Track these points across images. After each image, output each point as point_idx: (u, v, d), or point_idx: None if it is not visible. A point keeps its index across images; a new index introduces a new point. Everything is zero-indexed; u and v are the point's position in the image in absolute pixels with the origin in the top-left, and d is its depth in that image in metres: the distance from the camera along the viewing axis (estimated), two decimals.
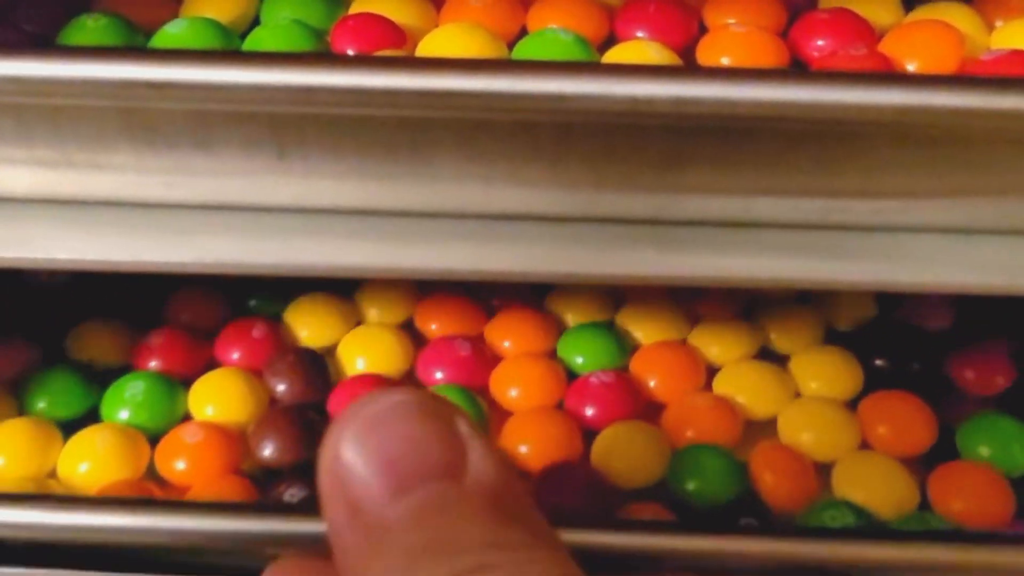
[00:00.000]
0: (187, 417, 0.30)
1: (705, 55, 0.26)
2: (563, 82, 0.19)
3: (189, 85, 0.19)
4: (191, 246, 0.22)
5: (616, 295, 0.34)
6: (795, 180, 0.21)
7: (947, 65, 0.25)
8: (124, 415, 0.29)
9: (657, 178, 0.21)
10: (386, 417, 0.16)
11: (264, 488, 0.28)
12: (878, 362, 0.32)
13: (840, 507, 0.27)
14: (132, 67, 0.19)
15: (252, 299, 0.33)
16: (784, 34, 0.27)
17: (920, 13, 0.27)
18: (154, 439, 0.29)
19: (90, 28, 0.25)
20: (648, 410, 0.30)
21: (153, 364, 0.31)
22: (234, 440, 0.29)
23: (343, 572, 0.16)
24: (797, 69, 0.25)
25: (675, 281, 0.22)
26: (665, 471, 0.28)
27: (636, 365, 0.32)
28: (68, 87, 0.19)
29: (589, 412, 0.30)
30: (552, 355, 0.32)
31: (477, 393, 0.30)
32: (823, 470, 0.29)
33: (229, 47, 0.25)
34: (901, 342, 0.32)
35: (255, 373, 0.31)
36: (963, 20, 0.26)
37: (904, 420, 0.30)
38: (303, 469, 0.28)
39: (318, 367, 0.31)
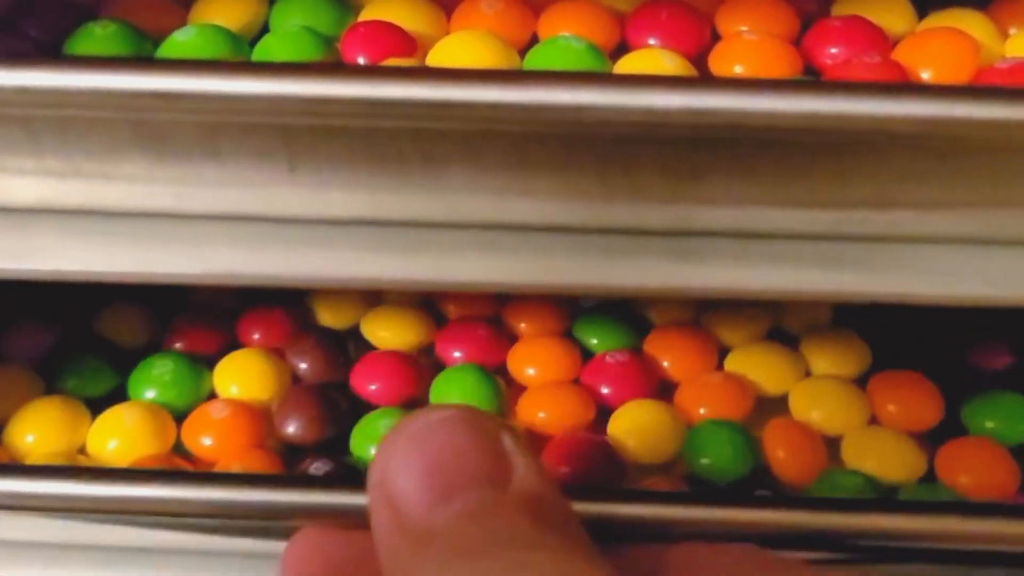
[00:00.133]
0: (212, 396, 0.31)
1: (718, 63, 0.26)
2: (578, 93, 0.19)
3: (200, 96, 0.19)
4: (201, 257, 0.22)
5: None
6: (811, 191, 0.21)
7: (962, 73, 0.25)
8: (151, 394, 0.30)
9: (671, 189, 0.21)
10: (432, 430, 0.16)
11: (288, 465, 0.29)
12: (886, 342, 0.32)
13: (850, 478, 0.28)
14: (142, 77, 0.19)
15: None
16: (797, 42, 0.26)
17: (934, 20, 0.27)
18: (179, 417, 0.29)
19: (98, 35, 0.25)
20: (662, 390, 0.31)
21: (178, 345, 0.32)
22: (259, 417, 0.29)
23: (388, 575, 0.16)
24: (813, 79, 0.25)
25: (689, 293, 0.22)
26: (680, 448, 0.29)
27: (650, 346, 0.32)
28: (77, 97, 0.19)
29: (605, 391, 0.30)
30: (568, 336, 0.33)
31: (495, 372, 0.31)
32: (833, 446, 0.29)
33: (238, 55, 0.25)
34: (909, 322, 0.33)
35: (277, 353, 0.31)
36: (977, 27, 0.26)
37: (911, 398, 0.30)
38: (326, 446, 0.29)
39: (339, 346, 0.32)
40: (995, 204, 0.21)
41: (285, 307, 0.33)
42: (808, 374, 0.32)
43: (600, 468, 0.28)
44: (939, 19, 0.27)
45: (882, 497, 0.28)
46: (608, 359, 0.31)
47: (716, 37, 0.27)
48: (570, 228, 0.22)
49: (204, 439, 0.29)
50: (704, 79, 0.24)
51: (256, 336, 0.32)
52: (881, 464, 0.28)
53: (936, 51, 0.25)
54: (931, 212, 0.21)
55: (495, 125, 0.20)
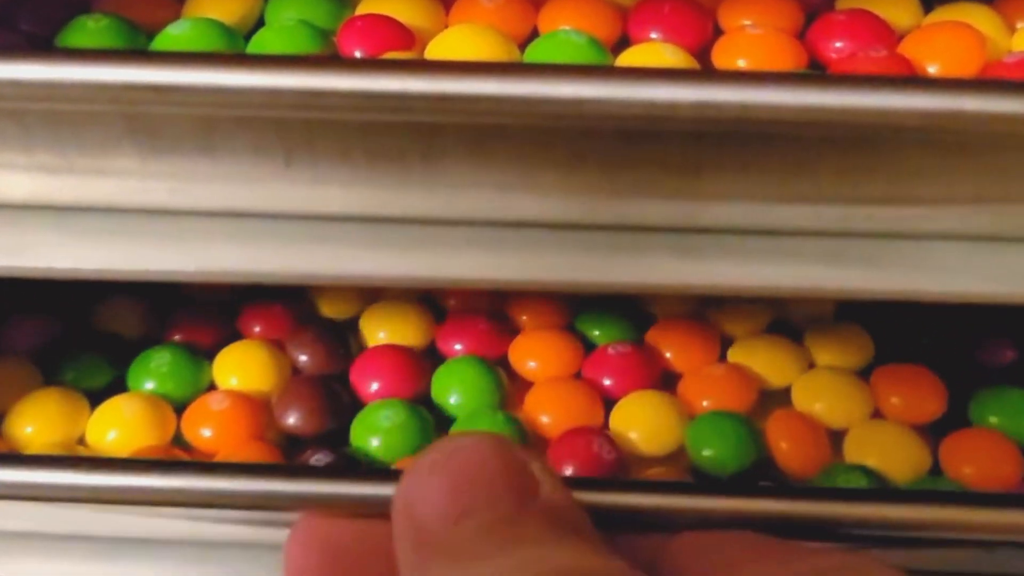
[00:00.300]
0: (211, 388, 0.30)
1: (721, 57, 0.25)
2: (580, 86, 0.18)
3: (194, 89, 0.18)
4: (195, 254, 0.22)
5: None
6: (816, 187, 0.21)
7: (969, 67, 0.24)
8: (150, 385, 0.30)
9: (675, 184, 0.21)
10: (458, 450, 0.17)
11: (287, 457, 0.28)
12: (889, 336, 0.32)
13: (853, 471, 0.28)
14: (136, 70, 0.18)
15: None
16: (801, 35, 0.26)
17: (940, 14, 0.26)
18: (179, 409, 0.29)
19: (91, 29, 0.25)
20: (664, 381, 0.31)
21: (177, 337, 0.32)
22: (258, 408, 0.29)
23: None
24: (819, 73, 0.25)
25: (694, 290, 0.21)
26: (683, 440, 0.29)
27: (652, 338, 0.32)
28: (70, 91, 0.19)
29: (607, 383, 0.30)
30: (569, 329, 0.32)
31: (497, 365, 0.31)
32: (836, 439, 0.29)
33: (233, 48, 0.25)
34: (912, 316, 0.33)
35: (277, 345, 0.31)
36: (984, 21, 0.26)
37: (915, 391, 0.30)
38: (325, 437, 0.29)
39: (339, 338, 0.32)
40: (1002, 200, 0.21)
41: (285, 299, 0.33)
42: (811, 366, 0.32)
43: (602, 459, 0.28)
44: (945, 13, 0.26)
45: (886, 487, 0.28)
46: (610, 351, 0.31)
47: (719, 31, 0.26)
48: (572, 224, 0.21)
49: (204, 430, 0.29)
50: (709, 72, 0.24)
51: (256, 328, 0.32)
52: (885, 456, 0.28)
53: (943, 45, 0.25)
54: (938, 208, 0.21)
55: (495, 119, 0.19)
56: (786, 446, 0.28)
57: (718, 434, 0.28)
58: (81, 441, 0.29)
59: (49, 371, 0.30)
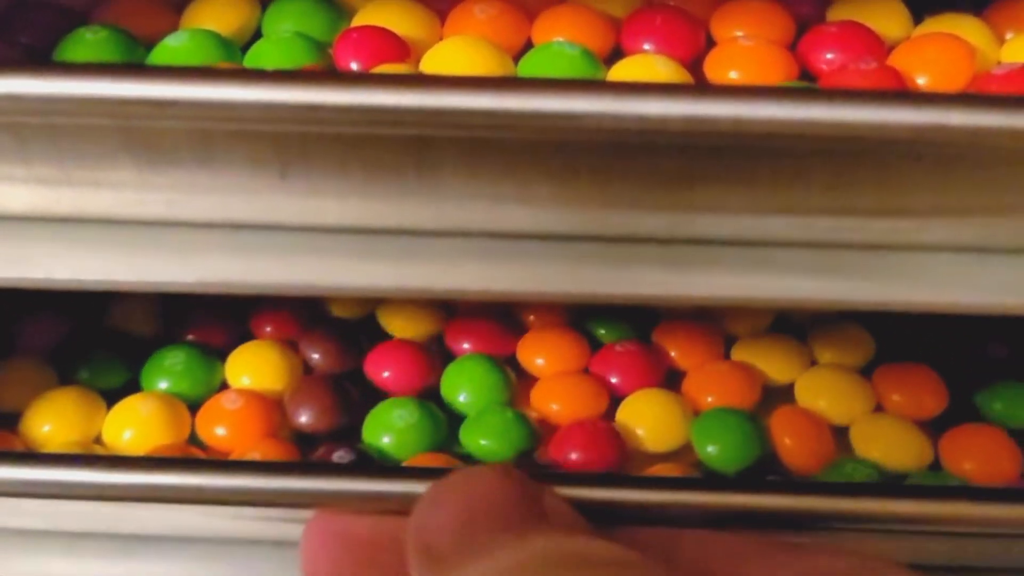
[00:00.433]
0: (224, 386, 0.31)
1: (713, 69, 0.26)
2: (574, 100, 0.18)
3: (191, 103, 0.19)
4: (192, 265, 0.22)
5: None
6: (807, 198, 0.21)
7: (958, 79, 0.25)
8: (164, 385, 0.30)
9: (667, 196, 0.21)
10: (470, 477, 0.17)
11: (301, 454, 0.29)
12: (889, 334, 0.33)
13: (857, 465, 0.28)
14: (133, 85, 0.19)
15: None
16: (792, 47, 0.26)
17: (930, 25, 0.27)
18: (192, 408, 0.30)
19: (89, 41, 0.25)
20: (670, 378, 0.31)
21: (190, 337, 0.32)
22: (271, 407, 0.30)
23: None
24: (811, 86, 0.25)
25: (686, 301, 0.22)
26: (688, 437, 0.29)
27: (658, 336, 0.32)
28: (68, 105, 0.19)
29: (613, 380, 0.31)
30: (576, 327, 0.33)
31: (504, 363, 0.31)
32: (838, 435, 0.30)
33: (231, 60, 0.25)
34: (911, 316, 0.32)
35: (289, 344, 0.32)
36: (973, 33, 0.26)
37: (916, 387, 0.31)
38: (338, 435, 0.29)
39: (351, 337, 0.32)
40: (993, 212, 0.21)
41: (296, 300, 0.33)
42: (814, 364, 0.32)
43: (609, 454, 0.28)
44: (935, 24, 0.26)
45: (889, 482, 0.28)
46: (617, 349, 0.31)
47: (711, 42, 0.27)
48: (566, 236, 0.22)
49: (218, 429, 0.29)
50: (701, 86, 0.24)
51: (268, 328, 0.32)
52: (887, 452, 0.29)
53: (932, 56, 0.25)
54: (929, 220, 0.21)
55: (489, 133, 0.20)
56: (790, 442, 0.29)
57: (723, 430, 0.29)
58: (98, 440, 0.29)
59: (64, 371, 0.30)
